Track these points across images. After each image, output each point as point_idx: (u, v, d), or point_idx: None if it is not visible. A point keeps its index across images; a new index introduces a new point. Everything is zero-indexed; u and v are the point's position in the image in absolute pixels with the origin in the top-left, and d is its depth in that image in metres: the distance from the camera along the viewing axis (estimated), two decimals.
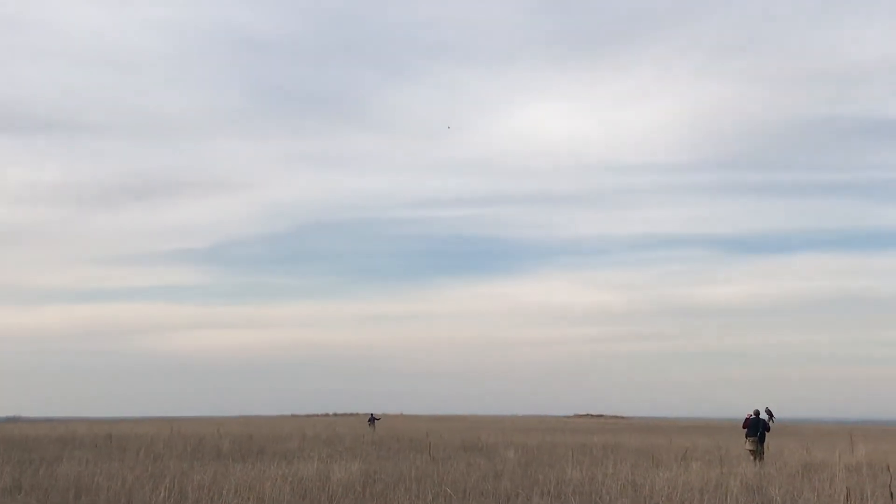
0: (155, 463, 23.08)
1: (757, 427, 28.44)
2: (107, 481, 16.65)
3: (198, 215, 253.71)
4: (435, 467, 21.86)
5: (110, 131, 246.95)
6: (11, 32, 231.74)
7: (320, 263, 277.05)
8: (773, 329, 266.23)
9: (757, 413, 28.66)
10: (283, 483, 16.41)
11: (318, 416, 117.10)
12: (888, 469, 20.34)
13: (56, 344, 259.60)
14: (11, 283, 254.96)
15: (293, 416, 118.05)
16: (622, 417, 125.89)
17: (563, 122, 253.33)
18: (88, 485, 16.15)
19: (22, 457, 25.73)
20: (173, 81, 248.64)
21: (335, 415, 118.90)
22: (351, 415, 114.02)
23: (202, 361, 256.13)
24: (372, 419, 64.47)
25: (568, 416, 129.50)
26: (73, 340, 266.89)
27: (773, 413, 29.23)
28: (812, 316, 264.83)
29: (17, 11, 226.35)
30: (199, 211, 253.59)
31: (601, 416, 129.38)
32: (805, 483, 19.05)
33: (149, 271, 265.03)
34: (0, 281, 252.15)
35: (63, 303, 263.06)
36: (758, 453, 28.14)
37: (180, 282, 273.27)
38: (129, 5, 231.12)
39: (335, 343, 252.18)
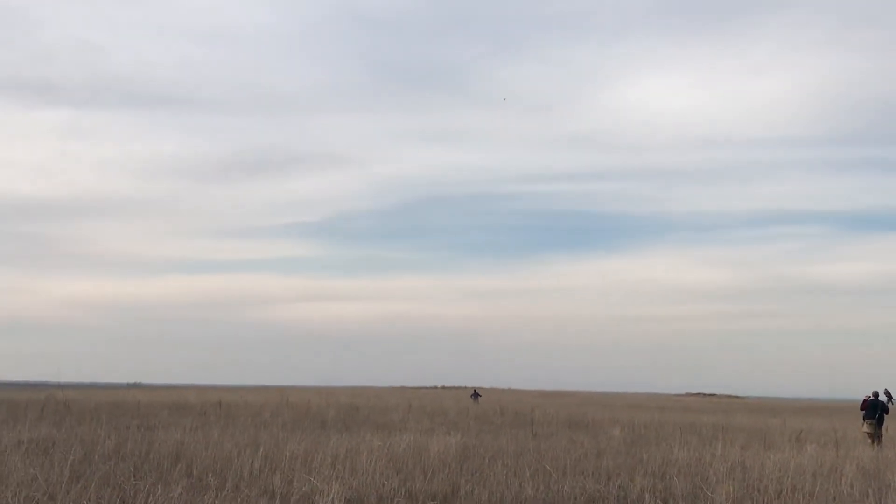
0: (258, 431, 23.22)
1: (875, 409, 27.56)
2: (205, 449, 16.70)
3: (312, 189, 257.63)
4: (536, 443, 21.47)
5: (228, 106, 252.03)
6: (134, 9, 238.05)
7: (431, 238, 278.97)
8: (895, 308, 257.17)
9: (875, 395, 27.77)
10: (380, 455, 16.20)
11: (426, 388, 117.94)
12: None
13: (175, 313, 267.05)
14: (133, 253, 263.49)
15: (402, 387, 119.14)
16: (735, 397, 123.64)
17: (678, 95, 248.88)
18: (187, 451, 16.20)
19: (130, 423, 26.24)
20: (289, 58, 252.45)
21: (443, 387, 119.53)
22: (459, 388, 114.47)
23: (315, 332, 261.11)
24: (475, 394, 65.19)
25: (679, 395, 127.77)
26: (191, 310, 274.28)
27: (893, 395, 28.26)
28: None
29: None
30: (314, 185, 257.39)
31: (713, 395, 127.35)
32: None
33: (264, 244, 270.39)
34: (121, 252, 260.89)
35: (182, 273, 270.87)
36: (875, 436, 27.20)
37: (294, 254, 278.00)
38: None
39: (446, 317, 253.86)
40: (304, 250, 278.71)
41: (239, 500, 11.51)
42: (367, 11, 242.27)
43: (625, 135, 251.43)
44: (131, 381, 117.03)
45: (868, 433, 27.47)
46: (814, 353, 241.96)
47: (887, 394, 28.20)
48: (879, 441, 27.03)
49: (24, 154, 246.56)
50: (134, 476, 12.96)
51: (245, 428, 24.62)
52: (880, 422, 27.55)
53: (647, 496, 13.09)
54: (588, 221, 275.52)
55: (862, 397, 28.21)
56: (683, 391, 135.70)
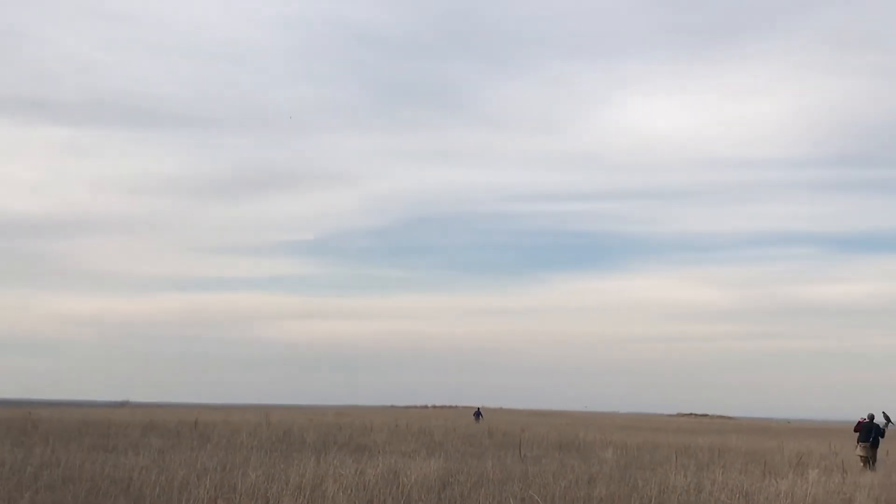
0: (227, 453, 21.75)
1: (870, 432, 27.06)
2: (158, 475, 15.24)
3: (307, 207, 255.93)
4: (524, 468, 20.04)
5: (225, 125, 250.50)
6: (129, 28, 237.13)
7: (425, 257, 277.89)
8: (892, 330, 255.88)
9: (871, 417, 27.34)
10: (350, 482, 14.78)
11: (416, 407, 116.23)
12: None
13: (168, 331, 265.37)
14: (127, 271, 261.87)
15: (391, 406, 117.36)
16: (728, 417, 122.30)
17: (673, 116, 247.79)
18: (136, 479, 14.78)
19: (96, 444, 24.80)
20: (286, 76, 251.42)
21: (433, 407, 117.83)
22: (449, 407, 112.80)
23: (310, 350, 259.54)
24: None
25: (671, 415, 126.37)
26: (185, 328, 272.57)
27: (892, 418, 27.39)
28: None
29: (135, 7, 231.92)
30: (309, 203, 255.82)
31: (705, 415, 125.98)
32: None
33: (259, 262, 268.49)
34: (115, 269, 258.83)
35: (177, 291, 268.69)
36: (870, 459, 26.65)
37: (289, 272, 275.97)
38: (245, 1, 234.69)
39: (439, 336, 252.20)
40: (299, 268, 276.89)
41: None
42: (363, 29, 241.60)
43: (623, 155, 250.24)
44: (121, 399, 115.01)
45: (862, 456, 26.84)
46: (807, 375, 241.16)
47: (886, 417, 27.46)
48: (873, 464, 26.39)
49: (21, 170, 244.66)
50: None
51: (214, 450, 23.09)
52: (875, 445, 26.89)
53: None
54: (584, 241, 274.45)
55: (856, 419, 27.51)
56: (676, 411, 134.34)
